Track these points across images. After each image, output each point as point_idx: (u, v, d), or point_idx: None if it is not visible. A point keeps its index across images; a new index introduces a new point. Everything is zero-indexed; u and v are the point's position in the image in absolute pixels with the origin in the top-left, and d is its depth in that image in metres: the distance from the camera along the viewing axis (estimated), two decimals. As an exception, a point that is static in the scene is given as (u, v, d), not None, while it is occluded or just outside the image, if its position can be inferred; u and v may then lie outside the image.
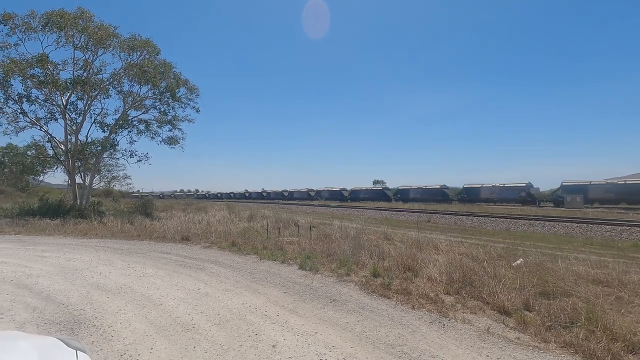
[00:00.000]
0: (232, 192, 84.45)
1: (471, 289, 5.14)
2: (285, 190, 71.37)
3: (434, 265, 6.22)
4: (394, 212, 26.87)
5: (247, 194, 79.70)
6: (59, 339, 1.39)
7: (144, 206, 20.41)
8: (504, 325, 4.06)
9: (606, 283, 5.54)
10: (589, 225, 16.35)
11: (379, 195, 54.22)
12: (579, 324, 3.81)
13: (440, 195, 46.50)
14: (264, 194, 76.13)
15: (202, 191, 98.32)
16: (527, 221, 18.83)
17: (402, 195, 50.51)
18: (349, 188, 61.55)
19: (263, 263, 7.48)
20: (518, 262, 6.80)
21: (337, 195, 59.70)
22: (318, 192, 63.94)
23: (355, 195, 57.53)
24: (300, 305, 4.77)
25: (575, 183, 34.29)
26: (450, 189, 48.19)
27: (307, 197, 63.16)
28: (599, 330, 3.62)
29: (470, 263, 6.30)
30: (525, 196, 37.20)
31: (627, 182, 31.17)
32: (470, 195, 43.09)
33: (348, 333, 3.85)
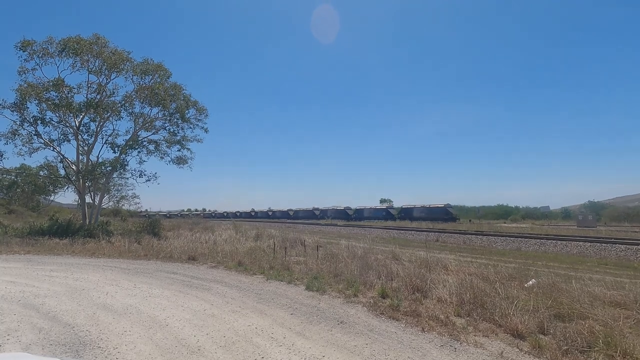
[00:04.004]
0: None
1: (483, 310, 5.00)
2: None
3: (443, 286, 6.09)
4: (402, 231, 26.66)
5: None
6: None
7: (152, 225, 20.52)
8: (518, 350, 3.92)
9: (624, 305, 5.35)
10: (603, 244, 15.94)
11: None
12: (596, 348, 3.67)
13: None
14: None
15: (210, 210, 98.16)
16: (538, 240, 18.44)
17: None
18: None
19: (270, 283, 7.40)
20: (530, 282, 6.63)
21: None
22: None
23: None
24: (307, 327, 4.67)
25: (408, 206, 51.42)
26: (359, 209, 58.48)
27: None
28: (619, 355, 3.48)
29: (481, 284, 6.16)
30: (386, 214, 51.54)
31: (430, 206, 47.34)
32: (358, 215, 56.49)
33: (356, 357, 3.75)
